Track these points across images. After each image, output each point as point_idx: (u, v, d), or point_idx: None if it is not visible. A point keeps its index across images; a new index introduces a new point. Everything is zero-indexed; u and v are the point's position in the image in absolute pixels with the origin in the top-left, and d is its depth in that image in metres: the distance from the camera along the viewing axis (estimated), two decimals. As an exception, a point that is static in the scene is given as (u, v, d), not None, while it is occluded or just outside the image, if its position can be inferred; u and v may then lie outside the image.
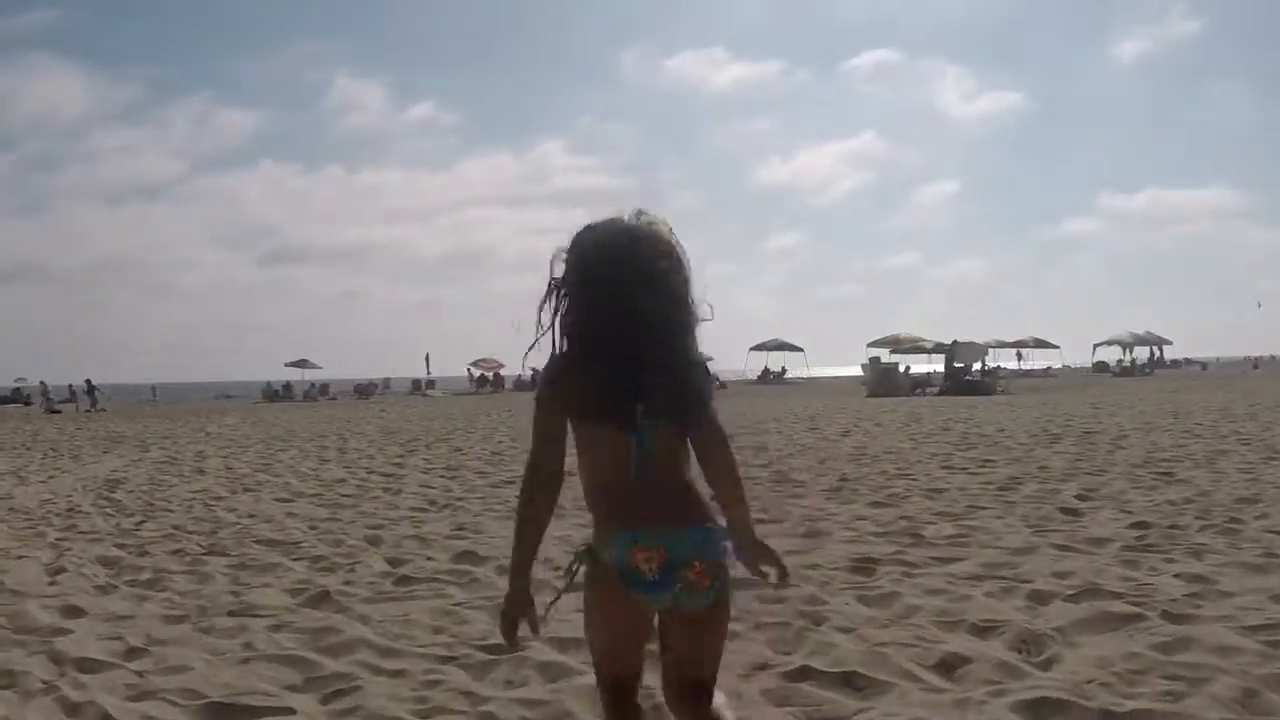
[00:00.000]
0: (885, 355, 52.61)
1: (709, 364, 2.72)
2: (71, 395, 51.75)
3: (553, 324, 2.64)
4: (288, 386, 59.09)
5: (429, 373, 66.08)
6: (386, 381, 69.04)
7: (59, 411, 42.20)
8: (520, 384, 66.40)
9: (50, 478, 14.89)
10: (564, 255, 2.64)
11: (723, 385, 49.03)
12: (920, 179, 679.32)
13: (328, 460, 16.64)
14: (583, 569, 2.70)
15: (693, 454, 2.70)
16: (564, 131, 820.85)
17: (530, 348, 2.69)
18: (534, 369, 2.87)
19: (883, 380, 43.30)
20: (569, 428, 2.68)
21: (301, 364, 64.61)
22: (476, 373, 67.19)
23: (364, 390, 60.89)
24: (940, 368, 45.39)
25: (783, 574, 2.72)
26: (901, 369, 47.22)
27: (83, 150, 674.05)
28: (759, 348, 67.48)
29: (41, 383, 49.53)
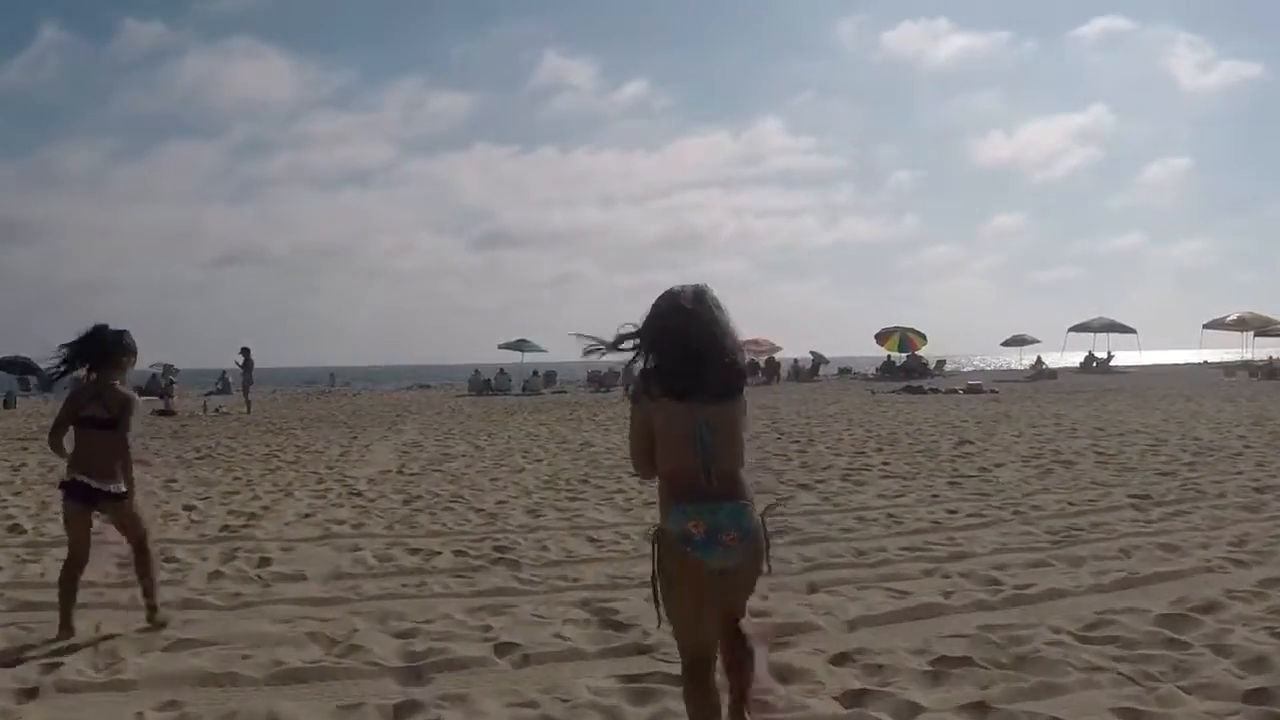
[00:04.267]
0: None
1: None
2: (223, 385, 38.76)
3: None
4: (501, 374, 46.23)
5: (682, 357, 51.95)
6: (629, 370, 55.42)
7: (171, 413, 29.83)
8: (799, 371, 53.28)
9: None
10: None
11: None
12: (1149, 155, 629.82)
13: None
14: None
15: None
16: (781, 109, 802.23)
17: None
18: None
19: None
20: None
21: (520, 345, 51.39)
22: (745, 356, 52.73)
23: (601, 380, 47.55)
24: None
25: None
26: None
27: (293, 136, 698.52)
28: (1080, 329, 55.40)
29: (165, 368, 36.90)
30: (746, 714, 3.89)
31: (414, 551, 8.11)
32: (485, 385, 44.45)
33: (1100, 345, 57.34)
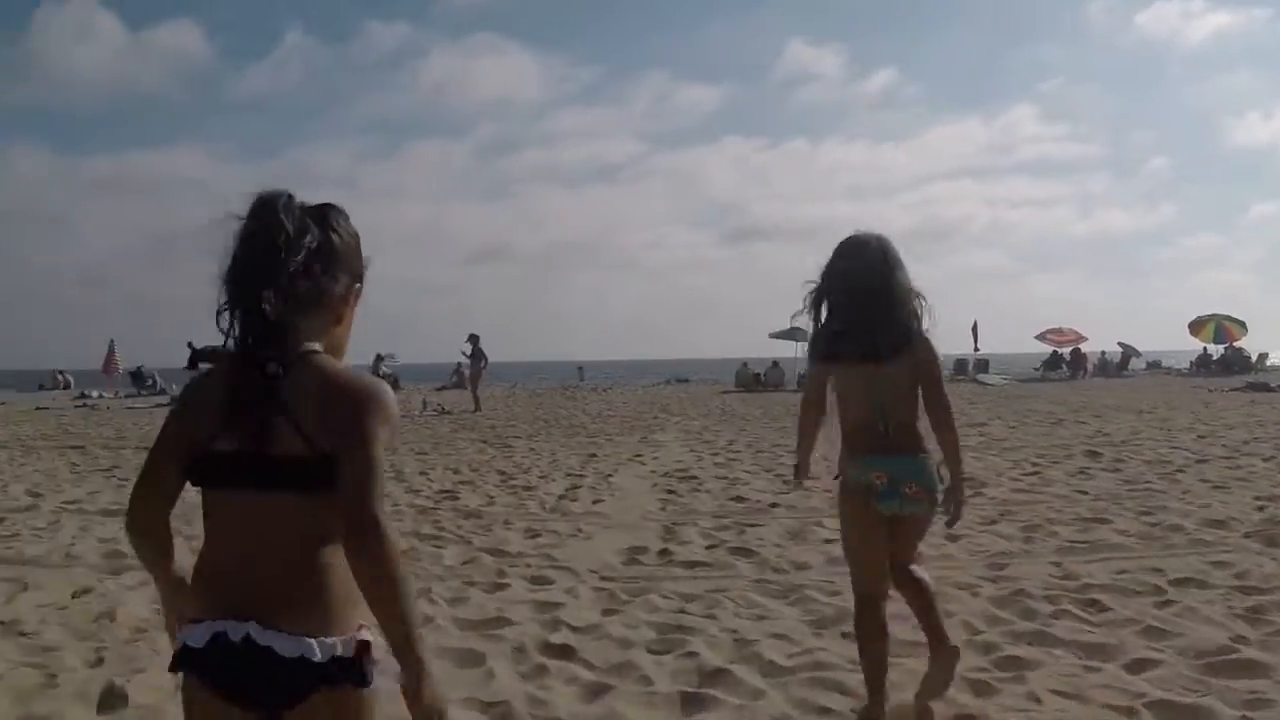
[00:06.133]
0: None
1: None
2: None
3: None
4: (774, 366, 39.38)
5: (977, 348, 44.04)
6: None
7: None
8: (1106, 366, 44.78)
9: None
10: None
11: None
12: None
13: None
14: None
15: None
16: (1032, 95, 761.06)
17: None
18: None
19: None
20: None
21: (792, 334, 43.82)
22: (1047, 349, 44.64)
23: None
24: None
25: (955, 515, 3.90)
26: None
27: (540, 133, 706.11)
28: None
29: (378, 357, 31.31)
30: (940, 645, 3.94)
31: None
32: (754, 380, 38.05)
33: None
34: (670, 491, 9.83)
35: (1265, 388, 29.37)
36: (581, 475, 11.18)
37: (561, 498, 9.52)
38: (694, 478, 10.84)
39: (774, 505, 8.92)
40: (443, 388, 38.34)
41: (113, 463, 13.44)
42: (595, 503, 9.17)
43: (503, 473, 11.51)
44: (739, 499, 9.31)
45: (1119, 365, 46.56)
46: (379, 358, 29.44)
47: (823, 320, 3.94)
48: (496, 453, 13.97)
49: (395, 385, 32.25)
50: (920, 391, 3.86)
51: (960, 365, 44.10)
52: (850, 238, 3.93)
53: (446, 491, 10.04)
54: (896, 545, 3.89)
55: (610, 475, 11.13)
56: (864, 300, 3.79)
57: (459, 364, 28.23)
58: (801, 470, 4.21)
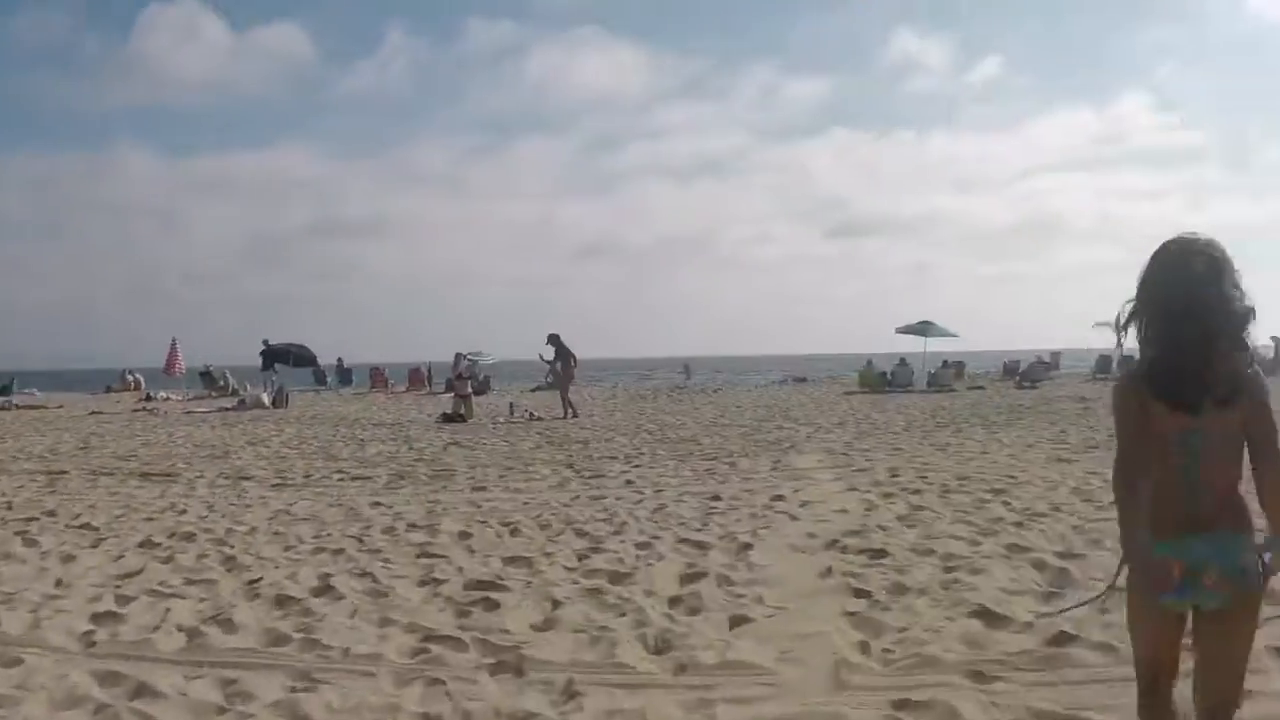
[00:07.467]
0: None
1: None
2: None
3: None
4: (901, 364, 35.01)
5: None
6: (1056, 358, 42.59)
7: (460, 418, 20.68)
8: (1262, 365, 39.03)
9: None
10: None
11: None
12: None
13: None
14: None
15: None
16: (1144, 83, 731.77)
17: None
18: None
19: None
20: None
21: (923, 329, 38.69)
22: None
23: (1024, 374, 35.70)
24: None
25: None
26: None
27: (645, 128, 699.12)
28: None
29: (457, 356, 27.53)
30: None
31: None
32: (881, 379, 34.05)
33: None
34: (860, 592, 5.73)
35: None
36: (702, 546, 7.12)
37: (675, 603, 5.65)
38: (882, 553, 6.73)
39: (1065, 637, 4.80)
40: (537, 388, 34.99)
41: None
42: (735, 626, 5.14)
43: (583, 533, 7.70)
44: (984, 614, 5.29)
45: (1275, 361, 41.04)
46: (459, 357, 25.85)
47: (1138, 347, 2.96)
48: (581, 488, 10.24)
49: (484, 388, 29.18)
50: (1249, 448, 2.85)
51: (1103, 362, 39.14)
52: (1174, 241, 2.94)
53: (481, 585, 6.13)
54: (1201, 660, 2.90)
55: (748, 546, 7.10)
56: (1183, 327, 2.79)
57: (553, 362, 24.18)
58: (1150, 566, 2.83)
